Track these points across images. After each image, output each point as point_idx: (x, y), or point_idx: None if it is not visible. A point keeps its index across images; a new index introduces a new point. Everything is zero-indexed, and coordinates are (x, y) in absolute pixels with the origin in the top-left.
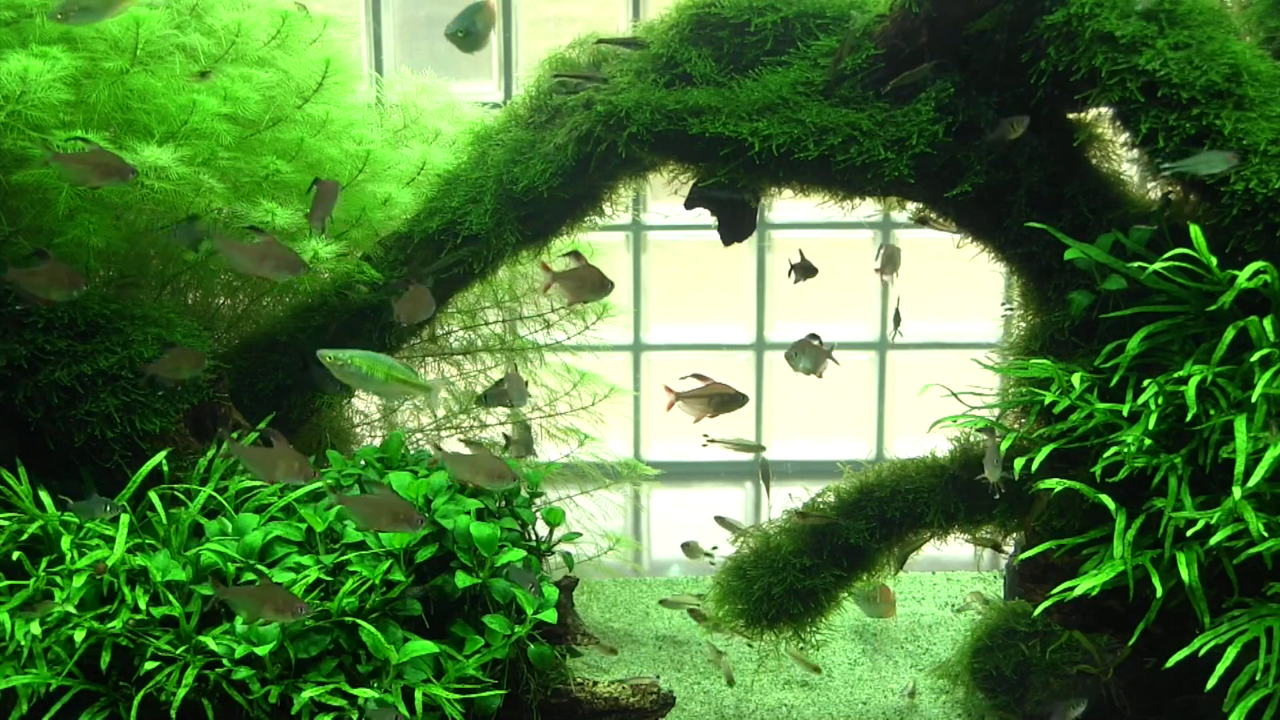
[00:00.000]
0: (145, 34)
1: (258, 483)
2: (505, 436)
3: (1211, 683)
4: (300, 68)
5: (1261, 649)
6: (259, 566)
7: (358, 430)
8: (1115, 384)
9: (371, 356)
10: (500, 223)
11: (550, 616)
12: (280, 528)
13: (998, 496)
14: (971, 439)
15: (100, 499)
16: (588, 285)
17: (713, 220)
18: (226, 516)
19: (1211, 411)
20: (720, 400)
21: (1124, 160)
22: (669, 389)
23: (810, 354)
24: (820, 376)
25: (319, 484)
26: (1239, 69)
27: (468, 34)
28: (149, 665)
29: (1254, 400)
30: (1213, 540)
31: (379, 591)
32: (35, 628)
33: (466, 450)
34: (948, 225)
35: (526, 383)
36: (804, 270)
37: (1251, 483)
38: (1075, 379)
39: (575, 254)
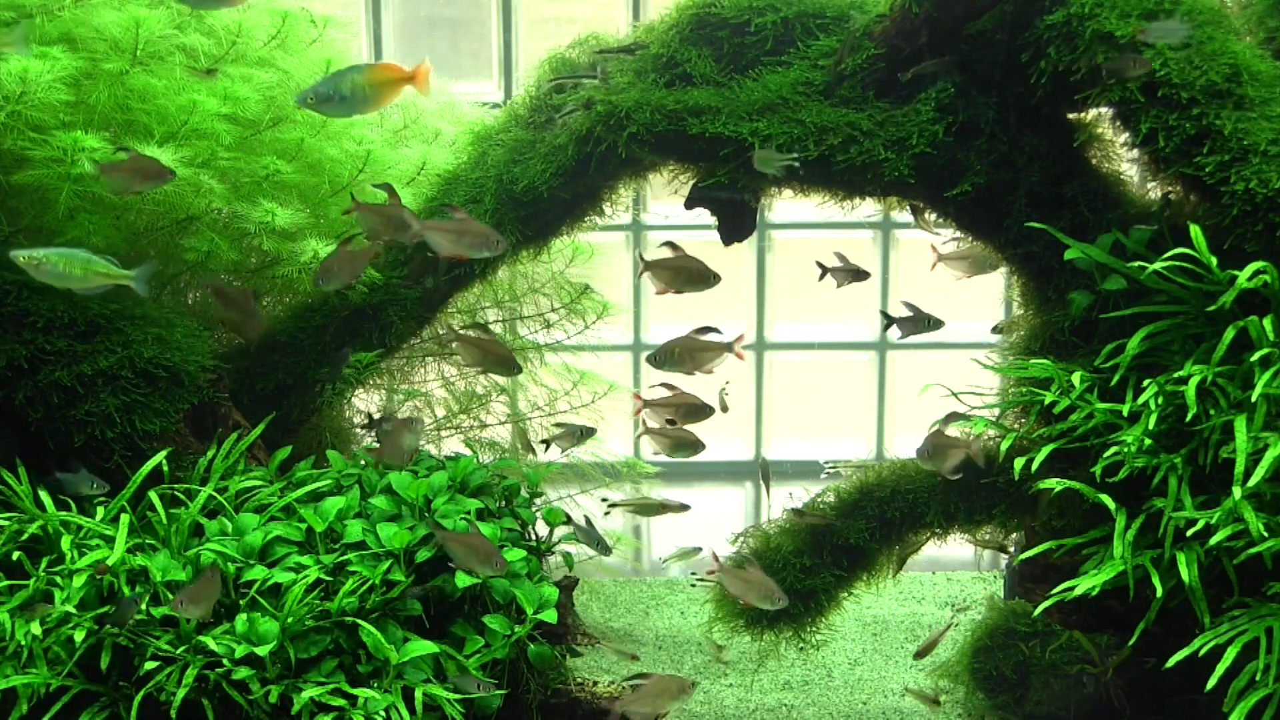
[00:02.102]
0: (145, 34)
1: (258, 482)
2: (561, 427)
3: (1211, 683)
4: (300, 68)
5: (1261, 649)
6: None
7: (358, 430)
8: (1115, 384)
9: (68, 253)
10: (500, 223)
11: (550, 616)
12: (280, 528)
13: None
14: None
15: (88, 475)
16: (684, 276)
17: (713, 220)
18: (226, 516)
19: (1211, 411)
20: (686, 411)
21: (1124, 160)
22: (637, 395)
23: (690, 353)
24: (708, 373)
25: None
26: (1239, 69)
27: (330, 100)
28: (149, 665)
29: (1254, 400)
30: (1213, 540)
31: (379, 591)
32: (35, 628)
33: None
34: (930, 225)
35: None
36: (852, 274)
37: (1251, 483)
38: (1075, 379)
39: (671, 244)
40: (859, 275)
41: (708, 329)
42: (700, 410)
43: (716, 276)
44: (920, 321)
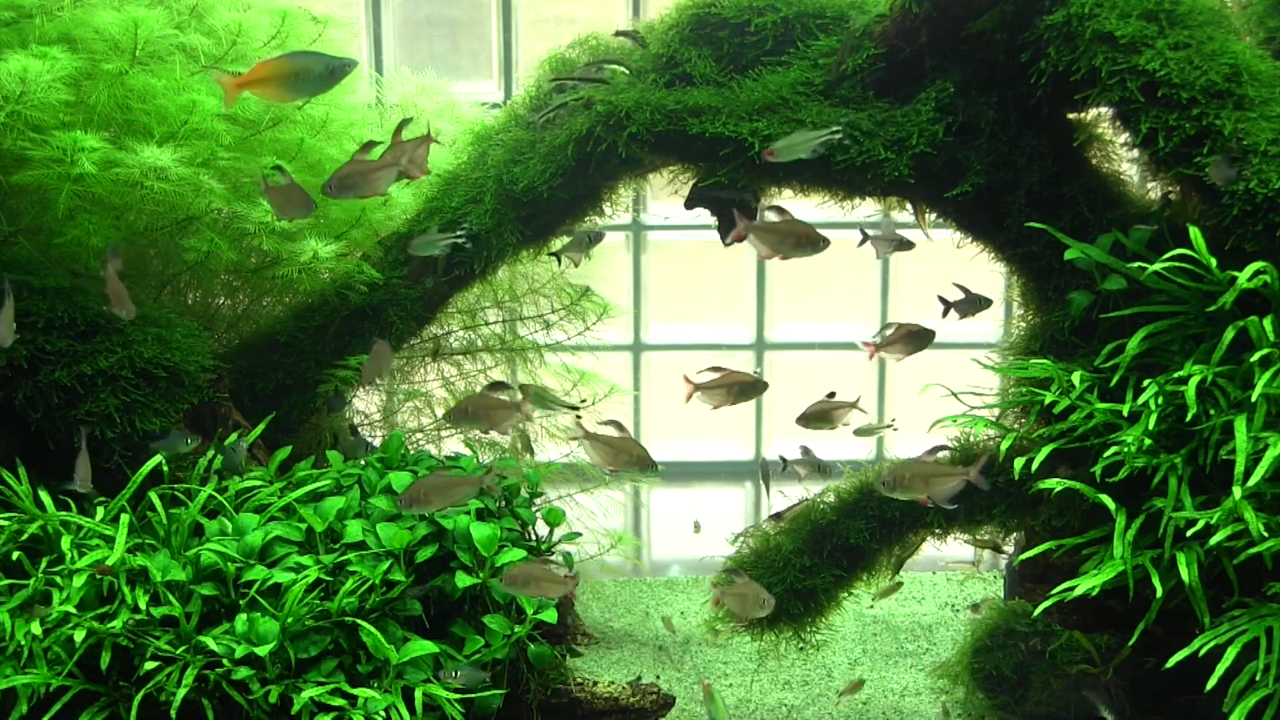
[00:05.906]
0: (145, 34)
1: (258, 482)
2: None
3: (1212, 683)
4: None
5: (1261, 649)
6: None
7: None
8: (1115, 384)
9: None
10: (500, 223)
11: (550, 616)
12: (280, 528)
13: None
14: (971, 439)
15: (178, 434)
16: (791, 240)
17: (713, 220)
18: (226, 516)
19: (1211, 411)
20: (740, 388)
21: (1124, 160)
22: (687, 378)
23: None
24: (503, 434)
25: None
26: (1239, 69)
27: None
28: (149, 665)
29: (1254, 400)
30: (1213, 540)
31: (379, 591)
32: (35, 628)
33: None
34: (926, 226)
35: None
36: (803, 240)
37: (1251, 483)
38: (1075, 379)
39: (779, 209)
40: (816, 242)
41: (500, 385)
42: (754, 386)
43: (825, 241)
44: (974, 302)
